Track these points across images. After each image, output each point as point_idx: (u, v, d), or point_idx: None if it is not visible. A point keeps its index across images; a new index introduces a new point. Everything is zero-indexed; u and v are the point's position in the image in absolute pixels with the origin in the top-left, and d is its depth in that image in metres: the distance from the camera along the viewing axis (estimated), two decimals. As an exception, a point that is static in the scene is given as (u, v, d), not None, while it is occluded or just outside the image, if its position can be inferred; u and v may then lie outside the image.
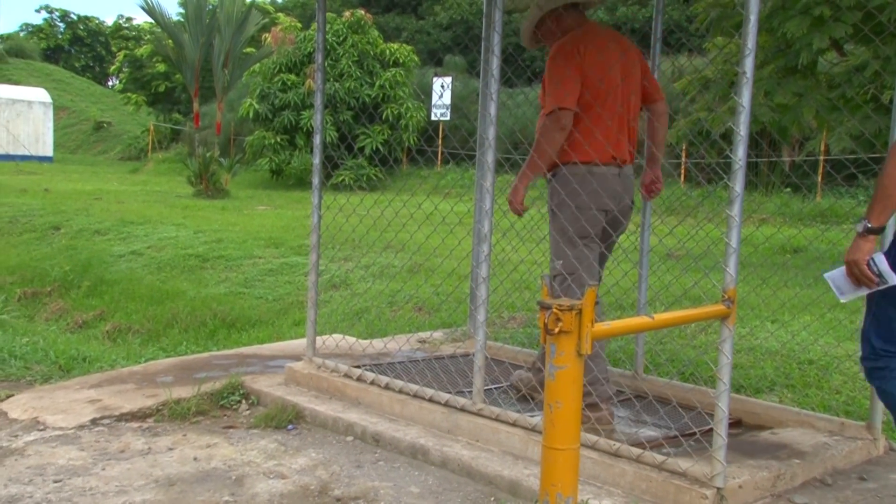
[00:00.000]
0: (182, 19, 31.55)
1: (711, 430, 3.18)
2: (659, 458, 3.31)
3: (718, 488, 3.13)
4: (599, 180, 3.96)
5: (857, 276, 3.01)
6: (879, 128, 8.80)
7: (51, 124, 36.30)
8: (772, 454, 3.59)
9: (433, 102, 19.12)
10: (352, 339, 5.52)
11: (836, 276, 3.12)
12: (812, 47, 8.89)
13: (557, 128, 3.89)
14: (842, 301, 3.14)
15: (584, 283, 3.83)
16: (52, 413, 4.32)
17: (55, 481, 3.46)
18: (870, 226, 2.94)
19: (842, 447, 3.75)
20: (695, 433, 3.64)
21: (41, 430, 4.11)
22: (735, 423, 4.07)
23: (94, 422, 4.22)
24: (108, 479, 3.51)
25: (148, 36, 41.21)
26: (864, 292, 3.06)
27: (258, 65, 25.92)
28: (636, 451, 3.38)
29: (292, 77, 24.21)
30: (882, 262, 2.98)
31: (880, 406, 3.86)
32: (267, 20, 30.91)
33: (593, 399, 3.88)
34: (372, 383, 4.38)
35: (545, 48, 4.23)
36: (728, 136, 3.29)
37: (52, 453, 3.79)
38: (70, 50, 64.59)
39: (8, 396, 4.64)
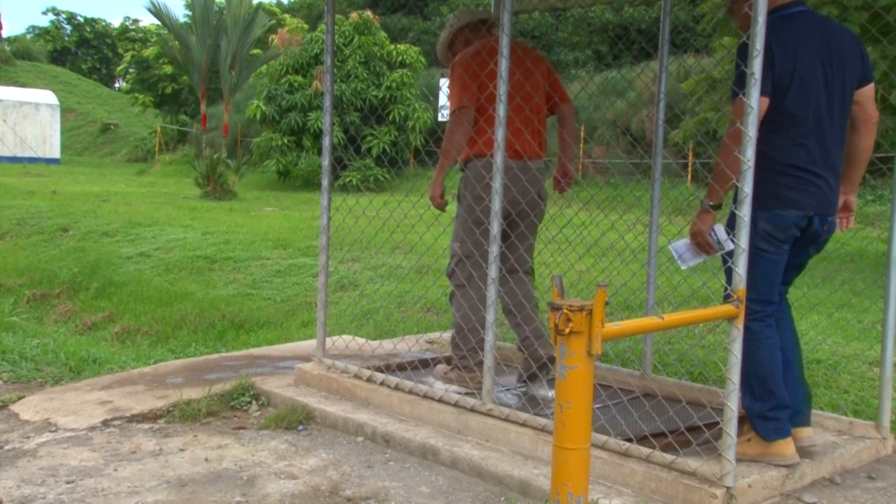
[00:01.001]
0: (189, 21, 31.59)
1: (721, 429, 3.19)
2: (668, 457, 3.32)
3: (728, 487, 3.14)
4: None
5: (699, 245, 3.48)
6: (887, 128, 8.80)
7: (58, 126, 36.40)
8: (781, 454, 3.60)
9: (440, 103, 19.14)
10: (361, 340, 5.54)
11: (679, 246, 3.58)
12: (819, 47, 8.87)
13: (457, 125, 4.33)
14: (682, 268, 3.61)
15: (481, 266, 4.28)
16: (64, 414, 4.34)
17: (67, 482, 3.49)
18: (710, 203, 3.43)
19: (850, 446, 3.76)
20: (704, 433, 3.65)
21: (53, 431, 4.13)
22: (744, 422, 4.07)
23: (105, 423, 4.25)
24: (119, 479, 3.53)
25: (154, 38, 41.29)
26: (703, 259, 3.53)
27: (265, 66, 25.96)
28: (646, 450, 3.39)
29: (299, 78, 24.26)
30: (721, 232, 3.44)
31: (888, 405, 3.87)
32: (273, 22, 30.95)
33: (468, 363, 4.44)
34: (382, 384, 4.40)
35: None
36: (736, 137, 3.30)
37: (63, 454, 3.81)
38: (77, 52, 64.80)
39: (19, 398, 4.67)
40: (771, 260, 3.44)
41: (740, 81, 3.19)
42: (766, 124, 3.28)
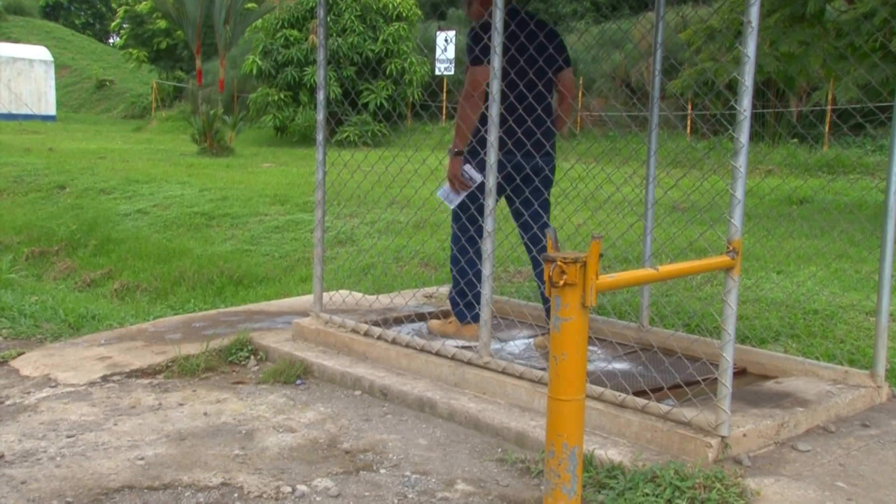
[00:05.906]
0: (181, -26, 31.16)
1: (716, 380, 3.21)
2: (664, 408, 3.34)
3: (723, 437, 3.17)
4: None
5: (456, 184, 4.39)
6: (887, 76, 8.74)
7: (52, 83, 36.12)
8: (776, 403, 3.63)
9: (437, 57, 18.98)
10: (358, 295, 5.55)
11: (443, 192, 4.48)
12: (819, -5, 8.78)
13: None
14: (451, 207, 4.47)
15: None
16: (64, 370, 4.37)
17: (68, 436, 3.52)
18: (456, 150, 4.37)
19: (845, 395, 3.78)
20: (700, 383, 3.67)
21: (53, 386, 4.16)
22: (740, 373, 4.10)
23: (104, 378, 4.27)
24: (120, 433, 3.56)
25: (147, -9, 40.79)
26: (464, 195, 4.40)
27: (260, 20, 25.68)
28: (641, 401, 3.41)
29: (295, 33, 24.02)
30: (470, 170, 4.36)
31: (884, 354, 3.89)
32: (268, -26, 30.55)
33: None
34: (379, 338, 4.42)
35: None
36: (733, 87, 3.30)
37: (64, 409, 3.84)
38: (69, 7, 63.93)
39: (19, 354, 4.69)
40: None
41: (471, 56, 4.19)
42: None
